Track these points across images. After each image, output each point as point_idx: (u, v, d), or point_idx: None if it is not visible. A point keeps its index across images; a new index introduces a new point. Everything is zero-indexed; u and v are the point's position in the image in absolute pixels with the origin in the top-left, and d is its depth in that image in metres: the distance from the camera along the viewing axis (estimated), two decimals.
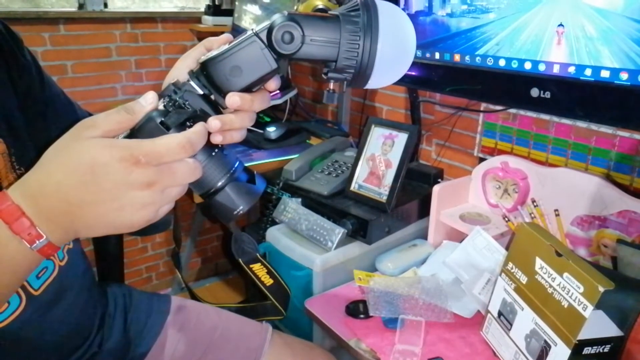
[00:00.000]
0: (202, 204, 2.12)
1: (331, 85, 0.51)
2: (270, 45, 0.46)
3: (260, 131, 1.49)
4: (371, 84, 0.49)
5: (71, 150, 0.40)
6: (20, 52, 0.64)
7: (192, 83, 0.48)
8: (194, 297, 0.98)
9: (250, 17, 1.64)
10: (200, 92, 0.48)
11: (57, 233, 0.41)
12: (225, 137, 0.47)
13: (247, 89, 0.48)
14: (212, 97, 0.48)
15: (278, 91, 1.52)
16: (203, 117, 0.46)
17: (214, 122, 0.46)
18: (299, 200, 1.17)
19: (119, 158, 0.39)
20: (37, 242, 0.41)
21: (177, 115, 0.44)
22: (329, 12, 0.47)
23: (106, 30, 1.74)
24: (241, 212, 0.48)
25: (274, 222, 1.19)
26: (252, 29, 0.47)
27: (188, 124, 0.44)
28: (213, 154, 0.47)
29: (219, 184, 0.47)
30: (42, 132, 0.66)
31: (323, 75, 0.49)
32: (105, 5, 1.75)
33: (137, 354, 0.80)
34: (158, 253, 2.11)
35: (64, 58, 1.69)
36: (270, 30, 0.46)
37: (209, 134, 0.46)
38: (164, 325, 0.84)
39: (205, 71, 0.47)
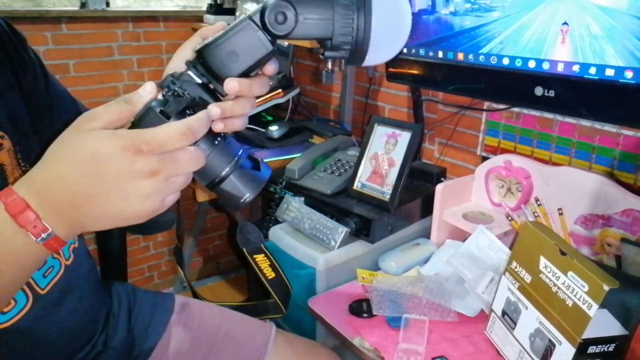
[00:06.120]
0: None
1: (329, 65, 0.50)
2: (264, 27, 0.46)
3: (263, 130, 1.50)
4: (369, 60, 0.48)
5: (73, 143, 0.40)
6: (24, 50, 0.65)
7: (189, 72, 0.48)
8: (195, 295, 0.98)
9: None
10: (199, 81, 0.48)
11: (63, 226, 0.41)
12: (226, 125, 0.47)
13: (245, 74, 0.48)
14: (211, 85, 0.48)
15: (280, 90, 1.53)
16: (202, 104, 0.46)
17: (214, 109, 0.46)
18: (302, 199, 1.16)
19: (121, 148, 0.39)
20: (43, 235, 0.41)
21: (176, 103, 0.44)
22: None
23: (108, 29, 1.74)
24: (247, 199, 0.48)
25: (276, 221, 1.19)
26: (246, 14, 0.47)
27: (188, 112, 0.44)
28: (216, 142, 0.46)
29: (224, 172, 0.47)
30: (46, 130, 0.66)
31: (320, 56, 0.49)
32: (107, 4, 1.75)
33: (141, 352, 0.80)
34: (160, 252, 2.11)
35: (66, 57, 1.69)
36: (263, 12, 0.45)
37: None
38: (168, 323, 0.84)
39: (201, 59, 0.47)
